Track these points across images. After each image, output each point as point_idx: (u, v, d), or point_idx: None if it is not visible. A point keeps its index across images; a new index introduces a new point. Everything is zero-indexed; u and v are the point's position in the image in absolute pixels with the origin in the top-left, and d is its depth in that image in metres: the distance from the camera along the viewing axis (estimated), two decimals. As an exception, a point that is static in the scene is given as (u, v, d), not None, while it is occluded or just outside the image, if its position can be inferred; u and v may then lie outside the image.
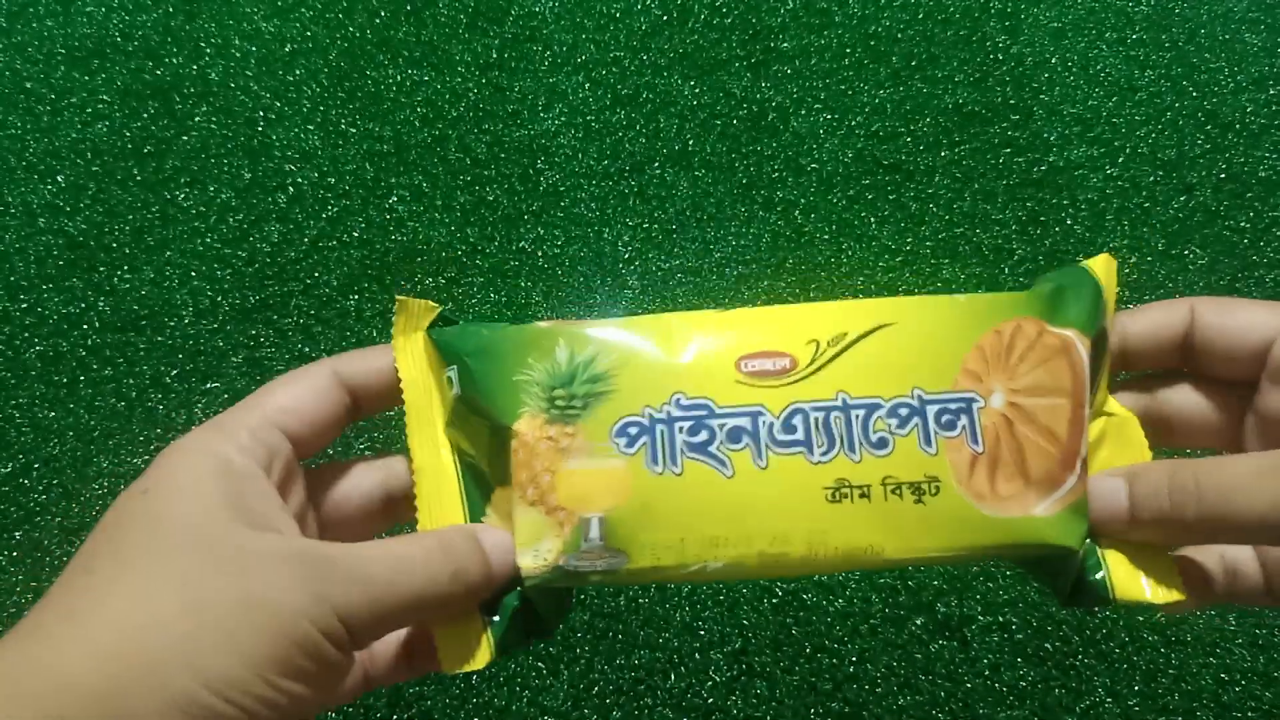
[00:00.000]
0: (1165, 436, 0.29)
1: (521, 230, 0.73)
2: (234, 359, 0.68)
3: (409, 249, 0.72)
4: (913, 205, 0.75)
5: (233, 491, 0.24)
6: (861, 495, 0.23)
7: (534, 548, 0.23)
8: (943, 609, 0.60)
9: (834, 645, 0.59)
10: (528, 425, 0.24)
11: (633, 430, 0.23)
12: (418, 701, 0.57)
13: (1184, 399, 0.29)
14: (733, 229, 0.74)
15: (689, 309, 0.69)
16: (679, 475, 0.23)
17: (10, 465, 0.65)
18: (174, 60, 0.81)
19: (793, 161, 0.77)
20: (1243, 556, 0.30)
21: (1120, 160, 0.77)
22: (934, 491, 0.23)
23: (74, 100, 0.79)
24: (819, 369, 0.24)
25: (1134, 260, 0.73)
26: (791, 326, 0.24)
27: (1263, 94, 0.80)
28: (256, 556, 0.22)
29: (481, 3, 0.84)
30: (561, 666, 0.58)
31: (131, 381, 0.68)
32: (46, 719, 0.19)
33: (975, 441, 0.24)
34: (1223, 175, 0.76)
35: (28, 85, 0.79)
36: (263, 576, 0.22)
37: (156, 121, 0.78)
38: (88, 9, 0.83)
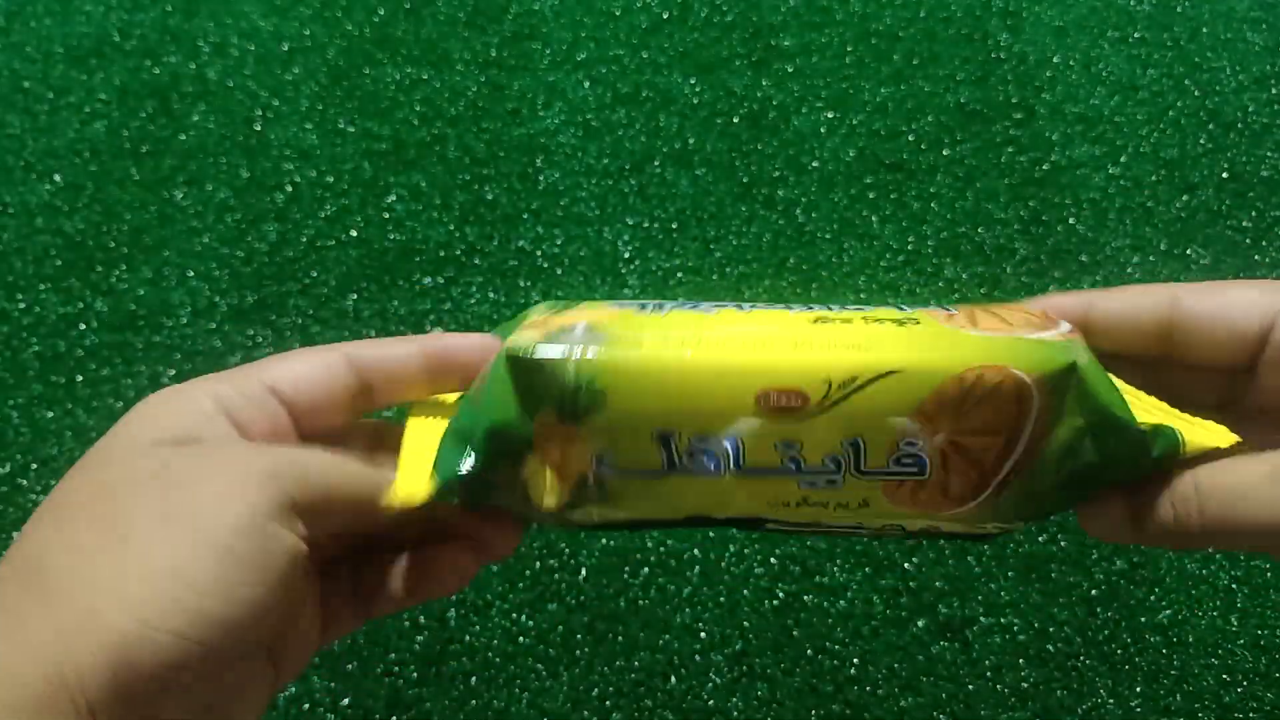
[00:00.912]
0: None
1: (521, 229, 0.73)
2: (232, 359, 0.68)
3: (407, 248, 0.72)
4: (915, 204, 0.74)
5: (187, 426, 0.23)
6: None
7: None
8: (945, 610, 0.60)
9: (835, 647, 0.59)
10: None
11: None
12: (417, 704, 0.57)
13: (1172, 381, 0.28)
14: (734, 228, 0.73)
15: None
16: (664, 314, 0.26)
17: (8, 465, 0.64)
18: (172, 59, 0.81)
19: (794, 160, 0.76)
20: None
21: (1122, 159, 0.77)
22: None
23: (72, 99, 0.78)
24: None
25: (1136, 260, 0.73)
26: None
27: (1265, 93, 0.80)
28: (187, 462, 0.22)
29: (480, 1, 0.84)
30: (561, 668, 0.58)
31: (129, 381, 0.67)
32: (4, 684, 0.19)
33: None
34: (1225, 174, 0.76)
35: (25, 84, 0.79)
36: (193, 475, 0.21)
37: (154, 121, 0.78)
38: (86, 8, 0.83)
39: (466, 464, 0.24)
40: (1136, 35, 0.83)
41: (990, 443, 0.25)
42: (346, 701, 0.57)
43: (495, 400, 0.25)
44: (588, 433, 0.24)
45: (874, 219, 0.74)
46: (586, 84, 0.80)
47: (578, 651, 0.59)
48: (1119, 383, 0.26)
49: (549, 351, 0.24)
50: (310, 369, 0.26)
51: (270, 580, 0.21)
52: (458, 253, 0.72)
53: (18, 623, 0.20)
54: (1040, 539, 0.62)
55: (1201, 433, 0.25)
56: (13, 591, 0.21)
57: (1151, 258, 0.73)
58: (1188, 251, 0.73)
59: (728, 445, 0.24)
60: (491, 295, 0.70)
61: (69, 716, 0.19)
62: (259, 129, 0.77)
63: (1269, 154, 0.77)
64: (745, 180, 0.75)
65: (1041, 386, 0.24)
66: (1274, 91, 0.80)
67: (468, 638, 0.59)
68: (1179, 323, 0.26)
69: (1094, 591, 0.60)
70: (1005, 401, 0.24)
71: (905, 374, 0.24)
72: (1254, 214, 0.75)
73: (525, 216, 0.74)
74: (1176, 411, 0.26)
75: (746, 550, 0.61)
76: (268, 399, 0.25)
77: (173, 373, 0.68)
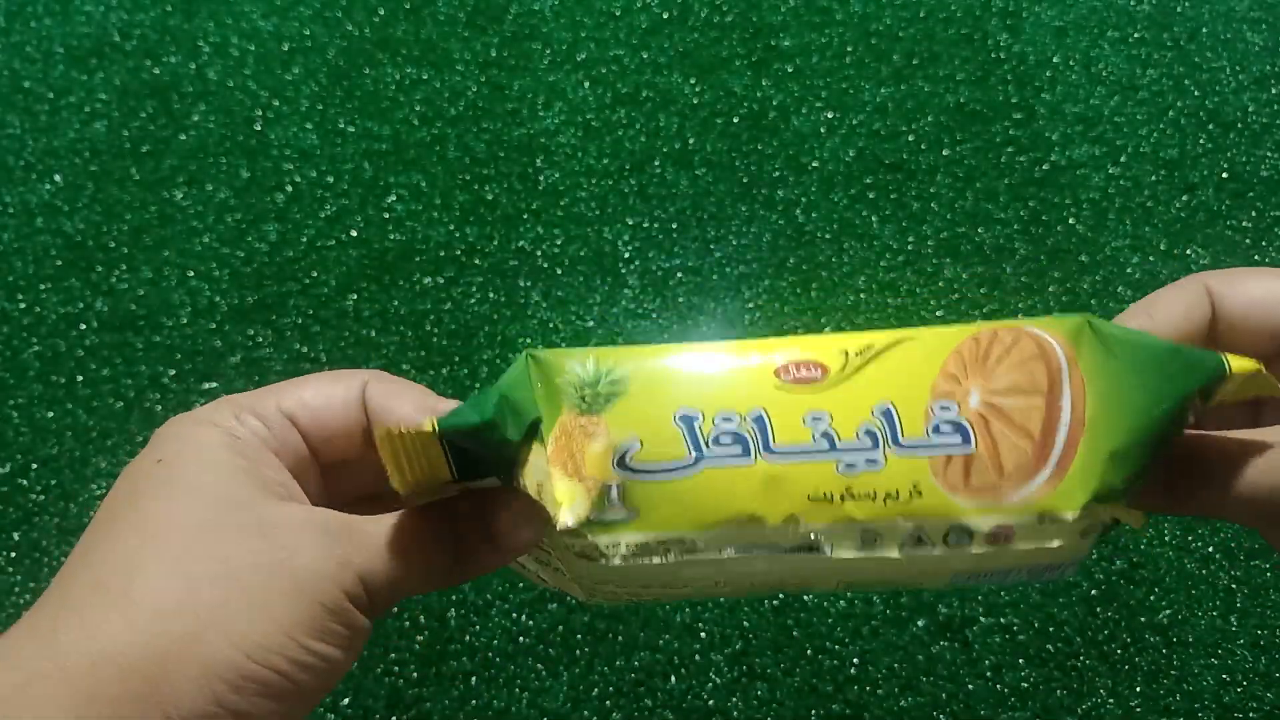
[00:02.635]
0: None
1: (521, 229, 0.73)
2: (232, 359, 0.68)
3: (407, 248, 0.72)
4: (914, 204, 0.75)
5: (249, 462, 0.24)
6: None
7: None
8: (944, 610, 0.60)
9: (835, 647, 0.59)
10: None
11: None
12: (417, 703, 0.57)
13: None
14: (733, 228, 0.73)
15: (689, 308, 0.69)
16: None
17: (8, 465, 0.64)
18: (172, 59, 0.81)
19: (794, 160, 0.76)
20: None
21: (1122, 159, 0.77)
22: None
23: (72, 99, 0.79)
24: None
25: (1136, 260, 0.73)
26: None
27: (1265, 93, 0.80)
28: (279, 524, 0.22)
29: (481, 1, 0.84)
30: (561, 668, 0.58)
31: (129, 382, 0.67)
32: (89, 695, 0.19)
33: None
34: (1225, 175, 0.76)
35: (26, 84, 0.79)
36: (287, 543, 0.22)
37: (154, 121, 0.78)
38: (86, 8, 0.83)
39: (472, 415, 0.23)
40: (1136, 35, 0.83)
41: (1030, 403, 0.24)
42: (346, 701, 0.57)
43: (513, 380, 0.24)
44: (609, 423, 0.24)
45: (874, 219, 0.74)
46: (586, 84, 0.80)
47: (578, 651, 0.59)
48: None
49: (570, 350, 0.25)
50: (329, 399, 0.26)
51: (345, 648, 0.23)
52: (458, 253, 0.72)
53: (105, 636, 0.20)
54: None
55: (1237, 359, 0.23)
56: (95, 600, 0.21)
57: (1151, 258, 0.73)
58: (1188, 252, 0.73)
59: (753, 424, 0.24)
60: (491, 295, 0.70)
61: None
62: (259, 129, 0.77)
63: (1269, 154, 0.77)
64: (745, 180, 0.76)
65: (1060, 339, 0.24)
66: (1274, 91, 0.80)
67: (468, 637, 0.59)
68: (1219, 319, 0.26)
69: (1094, 591, 0.60)
70: (1029, 357, 0.24)
71: (920, 339, 0.24)
72: (1254, 214, 0.75)
73: (525, 217, 0.74)
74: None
75: (746, 550, 0.61)
76: (288, 431, 0.25)
77: (173, 373, 0.68)
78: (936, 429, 0.24)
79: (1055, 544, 0.24)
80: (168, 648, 0.20)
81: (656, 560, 0.24)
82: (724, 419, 0.24)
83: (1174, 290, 0.27)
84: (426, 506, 0.24)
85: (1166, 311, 0.26)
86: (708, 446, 0.24)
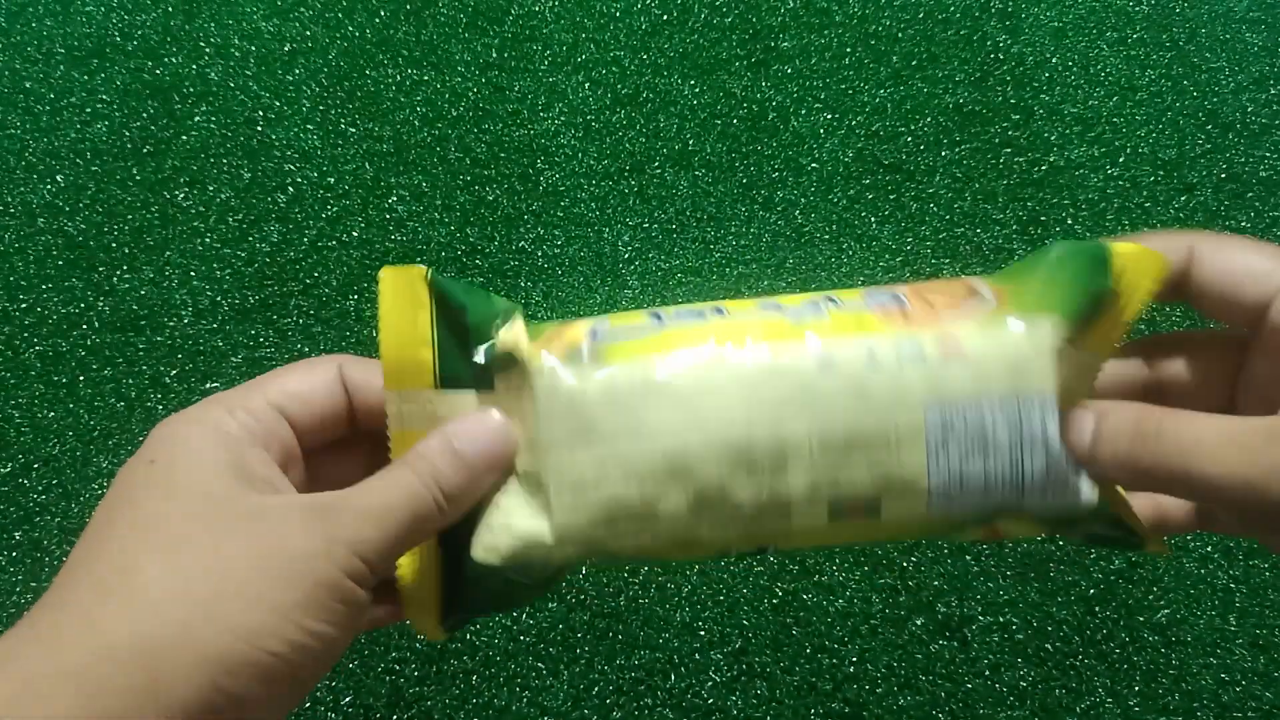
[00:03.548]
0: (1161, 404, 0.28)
1: (521, 230, 0.73)
2: (233, 359, 0.68)
3: (409, 249, 0.72)
4: (913, 205, 0.75)
5: (235, 458, 0.24)
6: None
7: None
8: (943, 609, 0.60)
9: (834, 645, 0.59)
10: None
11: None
12: (418, 702, 0.57)
13: (1179, 369, 0.28)
14: (733, 229, 0.74)
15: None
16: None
17: (10, 465, 0.64)
18: (173, 60, 0.81)
19: (793, 161, 0.77)
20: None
21: (1121, 160, 0.77)
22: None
23: (73, 100, 0.79)
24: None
25: (1134, 260, 0.73)
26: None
27: (1263, 93, 0.80)
28: (268, 512, 0.23)
29: (481, 2, 0.84)
30: (562, 666, 0.58)
31: (131, 381, 0.68)
32: (90, 692, 0.20)
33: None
34: (1223, 175, 0.76)
35: (27, 85, 0.79)
36: (277, 529, 0.23)
37: (156, 121, 0.78)
38: (87, 9, 0.83)
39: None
40: (1135, 36, 0.83)
41: (954, 289, 0.27)
42: (348, 700, 0.57)
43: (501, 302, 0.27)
44: (581, 324, 0.26)
45: (872, 220, 0.74)
46: (587, 86, 0.80)
47: (578, 649, 0.59)
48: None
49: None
50: (311, 386, 0.27)
51: (344, 625, 0.23)
52: (459, 253, 0.72)
53: (100, 632, 0.21)
54: (1039, 538, 0.62)
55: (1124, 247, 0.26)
56: (92, 597, 0.22)
57: (1149, 258, 0.73)
58: (1186, 252, 0.73)
59: (711, 309, 0.27)
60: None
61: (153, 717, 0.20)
62: (260, 130, 0.77)
63: (1267, 154, 0.77)
64: (744, 181, 0.76)
65: (988, 283, 0.27)
66: (1272, 92, 0.80)
67: (468, 636, 0.59)
68: (1193, 277, 0.26)
69: (1092, 590, 0.60)
70: (955, 283, 0.27)
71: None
72: (1252, 214, 0.75)
73: (526, 217, 0.74)
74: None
75: (746, 549, 0.61)
76: (277, 422, 0.26)
77: (174, 373, 0.68)
78: (872, 297, 0.26)
79: (1009, 348, 0.25)
80: (164, 639, 0.21)
81: (623, 387, 0.25)
82: (686, 309, 0.27)
83: (1159, 237, 0.27)
84: (401, 460, 0.25)
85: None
86: (669, 319, 0.26)
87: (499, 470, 0.26)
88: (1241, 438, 0.23)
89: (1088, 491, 0.25)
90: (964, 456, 0.25)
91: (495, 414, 0.26)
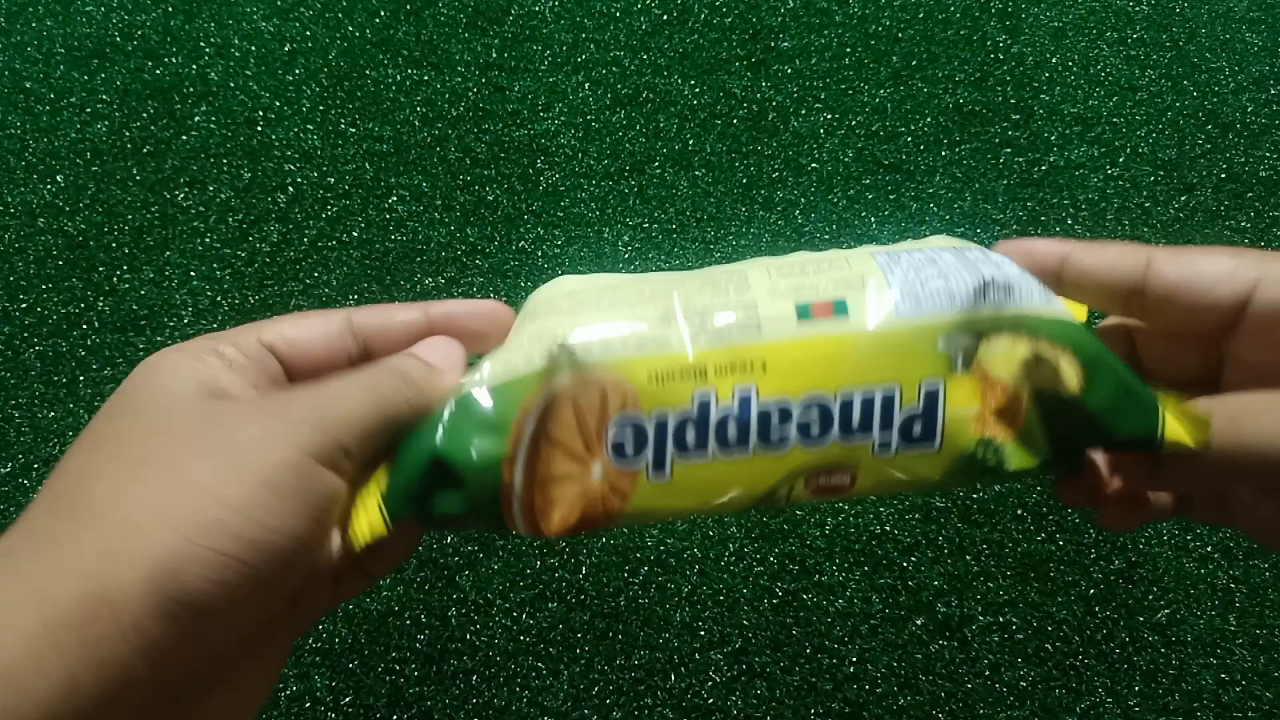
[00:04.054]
0: None
1: (521, 230, 0.73)
2: (234, 359, 0.68)
3: (409, 249, 0.72)
4: (913, 205, 0.75)
5: (208, 381, 0.24)
6: None
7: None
8: (943, 609, 0.60)
9: (834, 645, 0.59)
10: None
11: None
12: (418, 702, 0.57)
13: (1150, 354, 0.28)
14: (733, 229, 0.74)
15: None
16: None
17: (10, 465, 0.64)
18: (173, 60, 0.81)
19: (793, 161, 0.77)
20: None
21: (1120, 160, 0.77)
22: None
23: (73, 100, 0.79)
24: None
25: (1134, 260, 0.73)
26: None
27: (1263, 94, 0.80)
28: (223, 414, 0.22)
29: (481, 3, 0.84)
30: (561, 666, 0.58)
31: (131, 381, 0.68)
32: (46, 602, 0.19)
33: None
34: (1223, 175, 0.76)
35: (27, 85, 0.79)
36: (229, 425, 0.22)
37: (156, 121, 0.78)
38: (87, 9, 0.83)
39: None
40: (1135, 36, 0.83)
41: None
42: (348, 699, 0.57)
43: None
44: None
45: (872, 219, 0.74)
46: (587, 86, 0.80)
47: (578, 649, 0.59)
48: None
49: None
50: (310, 330, 0.26)
51: (309, 514, 0.22)
52: (459, 253, 0.72)
53: (54, 544, 0.20)
54: (1039, 538, 0.62)
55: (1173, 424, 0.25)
56: (47, 517, 0.21)
57: (1149, 258, 0.73)
58: (1185, 252, 0.73)
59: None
60: (493, 295, 0.71)
61: (111, 635, 0.19)
62: (261, 130, 0.77)
63: (1267, 154, 0.77)
64: (744, 181, 0.76)
65: None
66: (1272, 92, 0.80)
67: (468, 636, 0.59)
68: (1151, 287, 0.26)
69: (1092, 591, 0.60)
70: None
71: None
72: (1252, 214, 0.75)
73: (526, 217, 0.74)
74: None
75: (746, 549, 0.61)
76: (268, 359, 0.26)
77: (174, 373, 0.68)
78: None
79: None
80: (113, 545, 0.20)
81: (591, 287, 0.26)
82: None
83: (1117, 246, 0.27)
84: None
85: (1095, 257, 0.27)
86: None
87: (457, 367, 0.26)
88: None
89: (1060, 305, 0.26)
90: (916, 269, 0.26)
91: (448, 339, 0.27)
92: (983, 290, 0.26)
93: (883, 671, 0.58)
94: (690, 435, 0.25)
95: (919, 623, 0.59)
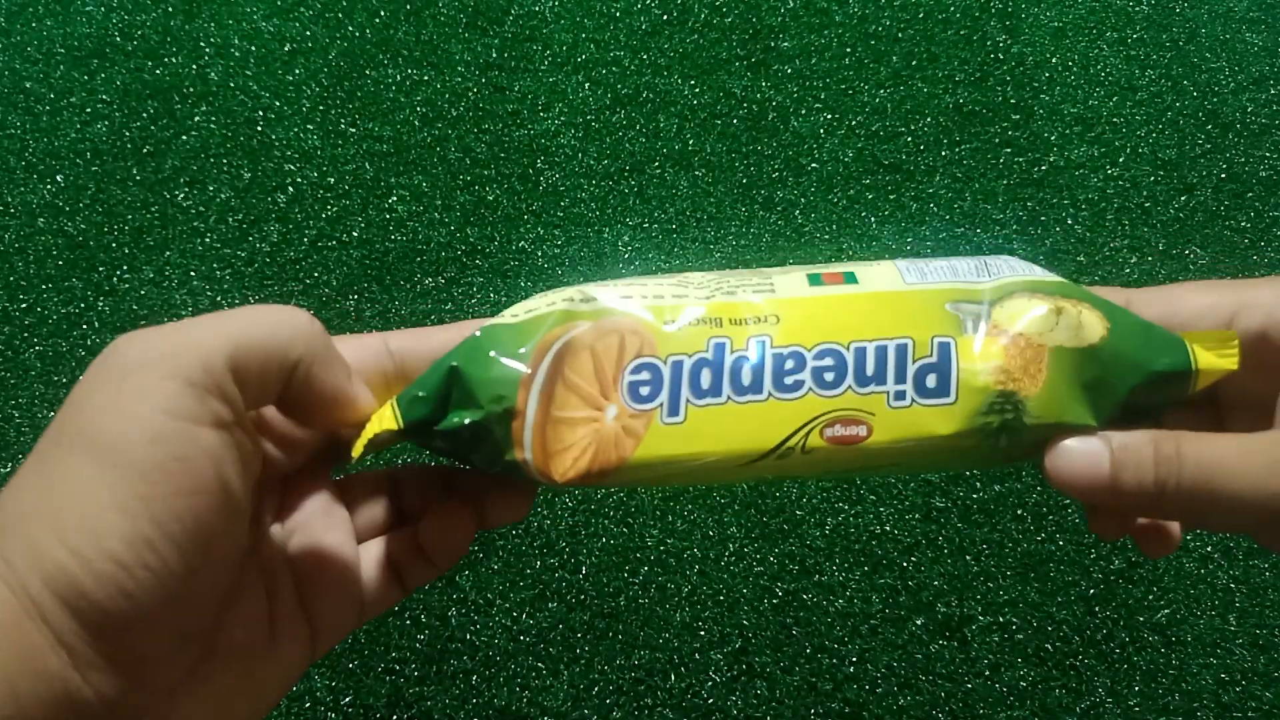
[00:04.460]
0: None
1: (521, 230, 0.73)
2: (234, 359, 0.68)
3: (409, 249, 0.72)
4: (913, 205, 0.75)
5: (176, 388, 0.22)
6: None
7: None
8: (943, 609, 0.60)
9: (834, 645, 0.59)
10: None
11: None
12: (418, 701, 0.57)
13: None
14: (733, 229, 0.74)
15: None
16: None
17: (9, 465, 0.64)
18: (173, 60, 0.81)
19: (793, 161, 0.77)
20: None
21: (1121, 160, 0.77)
22: None
23: (73, 100, 0.79)
24: None
25: (1134, 260, 0.73)
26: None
27: (1263, 94, 0.80)
28: (93, 395, 0.21)
29: (481, 2, 0.84)
30: (561, 666, 0.58)
31: (131, 381, 0.67)
32: None
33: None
34: (1223, 175, 0.76)
35: (27, 85, 0.79)
36: (109, 416, 0.20)
37: (156, 121, 0.78)
38: (87, 8, 0.83)
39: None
40: (1135, 36, 0.83)
41: None
42: (348, 699, 0.57)
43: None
44: None
45: (872, 220, 0.74)
46: (587, 86, 0.80)
47: (578, 649, 0.59)
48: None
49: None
50: (344, 349, 0.26)
51: (200, 486, 0.19)
52: (459, 254, 0.72)
53: None
54: (1039, 538, 0.62)
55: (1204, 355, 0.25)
56: None
57: (1150, 258, 0.73)
58: (1186, 252, 0.73)
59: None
60: (493, 296, 0.71)
61: (41, 648, 0.18)
62: (261, 130, 0.77)
63: (1267, 154, 0.77)
64: (744, 181, 0.76)
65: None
66: (1273, 92, 0.80)
67: (468, 635, 0.59)
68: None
69: (1092, 590, 0.60)
70: None
71: None
72: (1252, 215, 0.75)
73: (526, 218, 0.74)
74: None
75: (746, 548, 0.61)
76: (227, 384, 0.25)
77: (174, 373, 0.68)
78: None
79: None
80: (19, 562, 0.19)
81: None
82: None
83: (1094, 292, 0.27)
84: None
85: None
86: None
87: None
88: (1263, 451, 0.23)
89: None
90: (923, 262, 0.27)
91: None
92: (984, 267, 0.26)
93: (883, 671, 0.58)
94: (705, 377, 0.25)
95: (919, 623, 0.59)
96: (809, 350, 0.25)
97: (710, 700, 0.57)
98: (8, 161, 0.76)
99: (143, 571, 0.19)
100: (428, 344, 0.27)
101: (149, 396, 0.20)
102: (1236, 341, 0.24)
